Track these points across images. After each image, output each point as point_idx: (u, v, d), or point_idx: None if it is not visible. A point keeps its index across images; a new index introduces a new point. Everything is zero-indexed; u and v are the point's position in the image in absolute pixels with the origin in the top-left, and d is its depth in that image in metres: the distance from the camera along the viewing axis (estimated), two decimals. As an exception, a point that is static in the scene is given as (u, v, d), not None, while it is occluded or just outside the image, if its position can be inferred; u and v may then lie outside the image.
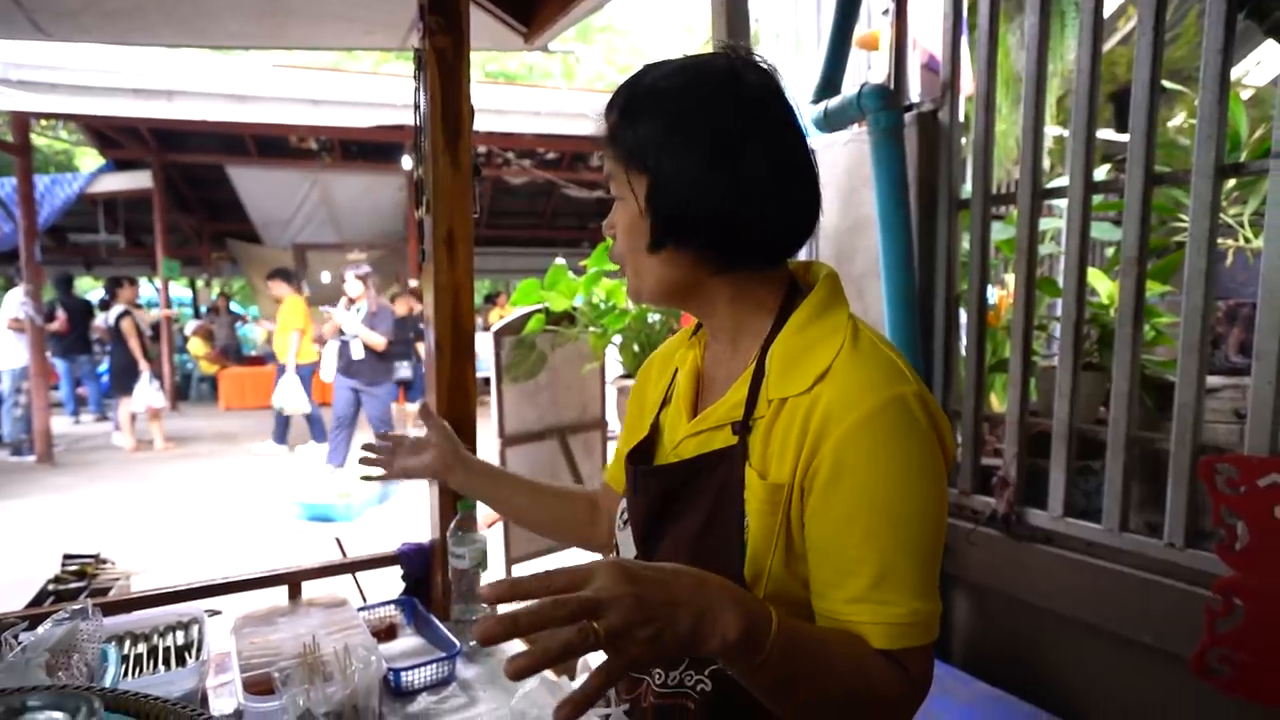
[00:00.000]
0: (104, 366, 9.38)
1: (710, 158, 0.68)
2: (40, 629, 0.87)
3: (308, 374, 6.82)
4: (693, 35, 14.04)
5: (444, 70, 1.35)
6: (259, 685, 1.05)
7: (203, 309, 12.44)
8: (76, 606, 0.88)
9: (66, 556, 1.68)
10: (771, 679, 0.58)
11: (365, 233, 11.15)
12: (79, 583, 1.60)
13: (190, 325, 11.23)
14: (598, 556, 0.63)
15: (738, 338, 0.76)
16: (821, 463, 0.65)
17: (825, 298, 0.73)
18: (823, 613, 0.67)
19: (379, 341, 5.63)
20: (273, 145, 9.08)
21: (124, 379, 7.43)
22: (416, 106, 1.37)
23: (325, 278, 11.60)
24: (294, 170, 9.52)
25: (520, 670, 0.49)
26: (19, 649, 0.80)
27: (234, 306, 13.00)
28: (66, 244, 11.55)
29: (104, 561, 1.70)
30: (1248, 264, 1.98)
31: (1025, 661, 1.80)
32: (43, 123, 9.05)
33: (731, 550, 0.69)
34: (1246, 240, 1.92)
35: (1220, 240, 1.91)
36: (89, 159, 11.66)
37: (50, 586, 1.64)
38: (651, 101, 0.70)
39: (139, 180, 9.30)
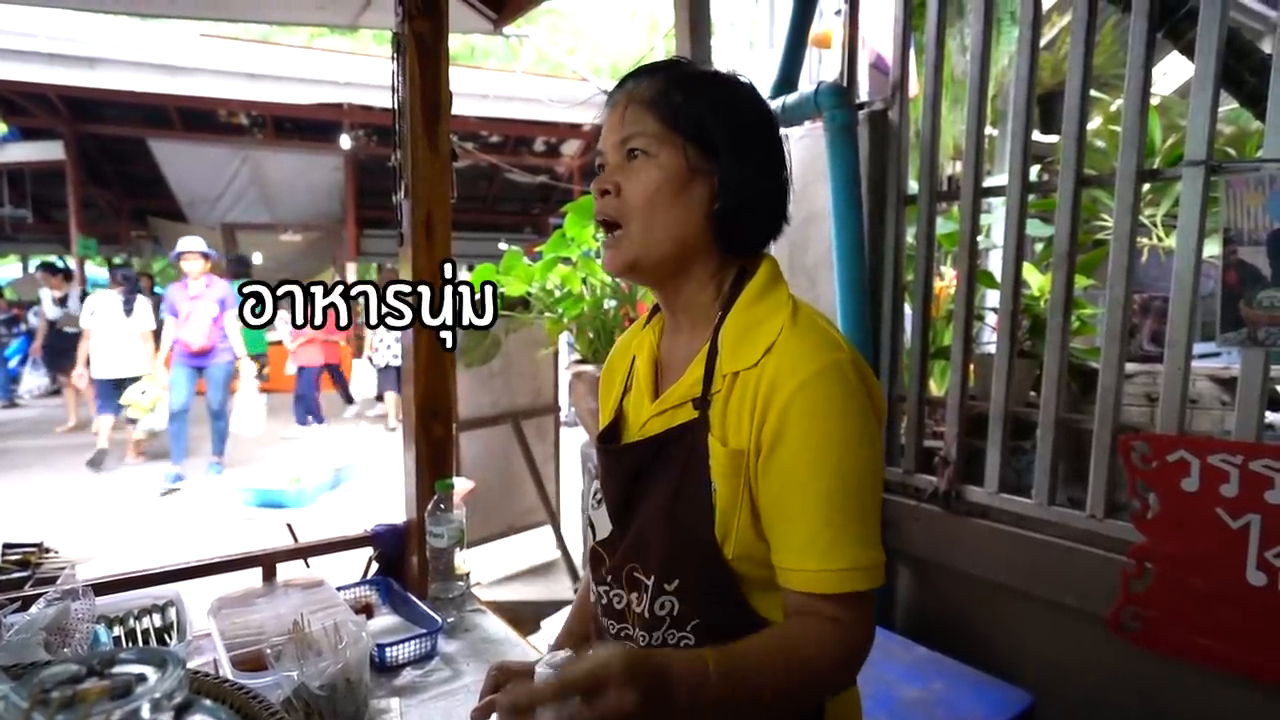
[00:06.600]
0: (12, 349, 8.80)
1: (769, 148, 0.79)
2: (33, 609, 0.87)
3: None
4: (637, 20, 13.99)
5: (424, 55, 1.36)
6: (248, 663, 1.07)
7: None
8: (68, 587, 0.87)
9: (6, 546, 1.62)
10: (716, 703, 0.63)
11: (300, 213, 10.77)
12: (22, 572, 1.55)
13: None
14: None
15: (694, 322, 0.82)
16: (770, 425, 0.71)
17: (767, 280, 0.80)
18: (776, 565, 0.73)
19: None
20: (199, 118, 8.66)
21: (58, 358, 7.33)
22: (394, 90, 1.38)
23: (257, 259, 11.15)
24: (223, 146, 9.12)
25: None
26: (13, 629, 0.80)
27: (155, 288, 12.33)
28: (-37, 218, 10.73)
29: (47, 550, 1.65)
30: (1159, 261, 2.16)
31: (962, 627, 1.94)
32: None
33: (702, 514, 0.75)
34: (1160, 239, 2.10)
35: (1136, 239, 2.09)
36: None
37: (-9, 577, 1.58)
38: (706, 84, 0.78)
39: (49, 151, 8.72)
